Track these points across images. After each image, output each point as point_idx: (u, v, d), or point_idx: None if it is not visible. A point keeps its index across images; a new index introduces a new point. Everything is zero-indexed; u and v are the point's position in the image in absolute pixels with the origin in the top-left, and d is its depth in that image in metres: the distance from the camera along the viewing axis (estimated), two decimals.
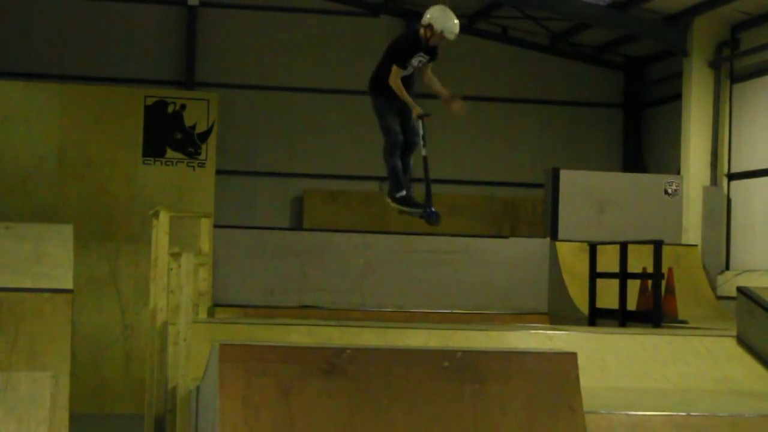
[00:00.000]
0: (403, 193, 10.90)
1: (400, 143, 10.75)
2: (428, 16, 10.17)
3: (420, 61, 10.61)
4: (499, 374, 7.44)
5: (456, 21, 10.26)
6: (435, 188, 21.48)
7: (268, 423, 6.97)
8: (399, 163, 10.77)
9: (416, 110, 10.65)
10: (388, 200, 11.07)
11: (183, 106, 16.70)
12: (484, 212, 21.37)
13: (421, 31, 10.41)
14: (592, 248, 15.20)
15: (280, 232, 17.86)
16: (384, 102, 10.86)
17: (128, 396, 15.02)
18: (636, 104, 22.32)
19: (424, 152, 11.02)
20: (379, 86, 10.70)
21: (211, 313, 14.72)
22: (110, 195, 16.20)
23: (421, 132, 10.87)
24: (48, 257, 8.87)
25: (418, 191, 11.58)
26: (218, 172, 17.15)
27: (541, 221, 18.43)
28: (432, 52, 10.68)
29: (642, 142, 22.19)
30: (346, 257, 16.66)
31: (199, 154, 16.59)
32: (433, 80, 10.92)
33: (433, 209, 11.08)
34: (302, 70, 21.66)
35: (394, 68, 10.36)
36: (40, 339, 8.09)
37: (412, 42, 10.49)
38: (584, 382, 7.70)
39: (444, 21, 10.18)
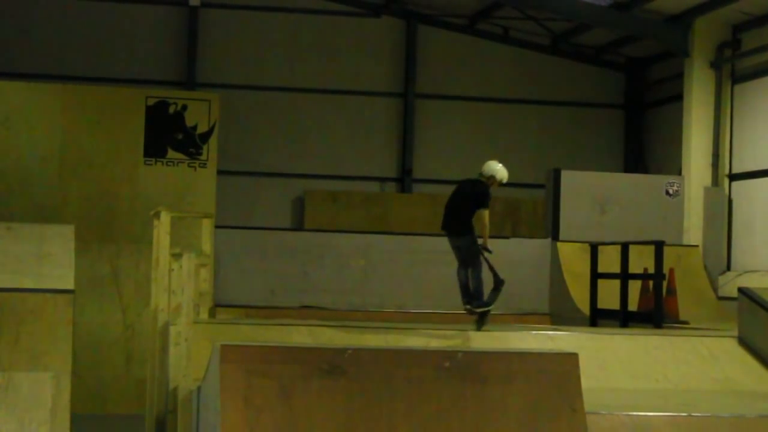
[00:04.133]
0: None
1: None
2: (495, 170, 12.37)
3: None
4: (500, 375, 7.44)
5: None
6: (436, 188, 21.70)
7: (269, 423, 6.97)
8: None
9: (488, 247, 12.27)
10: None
11: (184, 107, 16.70)
12: None
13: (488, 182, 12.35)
14: (593, 249, 15.20)
15: (281, 232, 17.87)
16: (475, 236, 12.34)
17: (129, 396, 15.02)
18: (637, 105, 22.32)
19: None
20: (471, 225, 12.24)
21: (212, 314, 14.72)
22: (111, 195, 16.19)
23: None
24: (49, 258, 8.88)
25: None
26: (219, 172, 17.14)
27: (542, 222, 18.44)
28: None
29: (643, 142, 22.18)
30: (347, 258, 16.66)
31: (201, 154, 16.59)
32: None
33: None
34: (303, 70, 21.65)
35: (486, 212, 12.13)
36: (42, 339, 8.09)
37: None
38: (585, 382, 7.71)
39: (505, 174, 12.38)
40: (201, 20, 21.32)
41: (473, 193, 12.24)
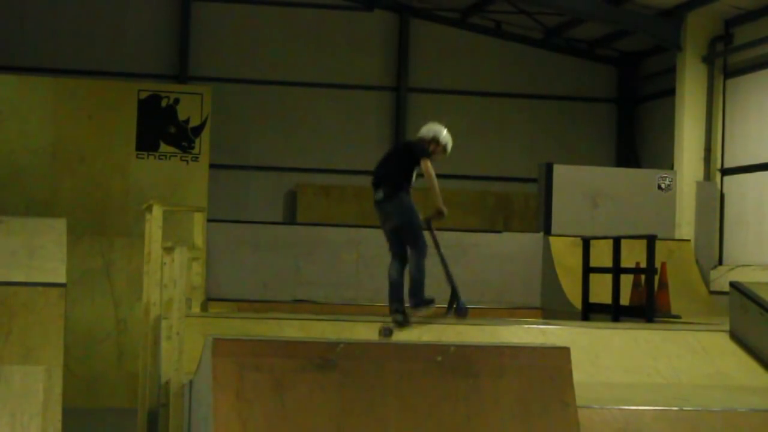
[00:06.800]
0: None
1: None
2: (437, 132, 10.80)
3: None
4: (492, 369, 7.44)
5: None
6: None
7: (261, 417, 6.97)
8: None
9: (442, 208, 10.62)
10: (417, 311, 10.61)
11: (176, 100, 16.69)
12: (478, 207, 21.37)
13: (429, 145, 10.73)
14: (586, 243, 15.20)
15: (273, 226, 17.85)
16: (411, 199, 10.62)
17: (121, 390, 15.01)
18: (629, 99, 22.33)
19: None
20: (403, 183, 10.53)
21: (204, 308, 14.71)
22: (103, 189, 16.18)
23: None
24: (41, 251, 8.86)
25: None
26: (211, 166, 17.13)
27: (535, 216, 18.44)
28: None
29: (635, 137, 22.20)
30: (339, 251, 16.66)
31: (193, 148, 16.58)
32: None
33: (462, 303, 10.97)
34: (296, 64, 21.64)
35: (427, 161, 10.46)
36: (33, 333, 8.09)
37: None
38: (577, 376, 7.71)
39: (449, 140, 10.83)
40: (193, 13, 21.29)
41: (408, 146, 10.78)
